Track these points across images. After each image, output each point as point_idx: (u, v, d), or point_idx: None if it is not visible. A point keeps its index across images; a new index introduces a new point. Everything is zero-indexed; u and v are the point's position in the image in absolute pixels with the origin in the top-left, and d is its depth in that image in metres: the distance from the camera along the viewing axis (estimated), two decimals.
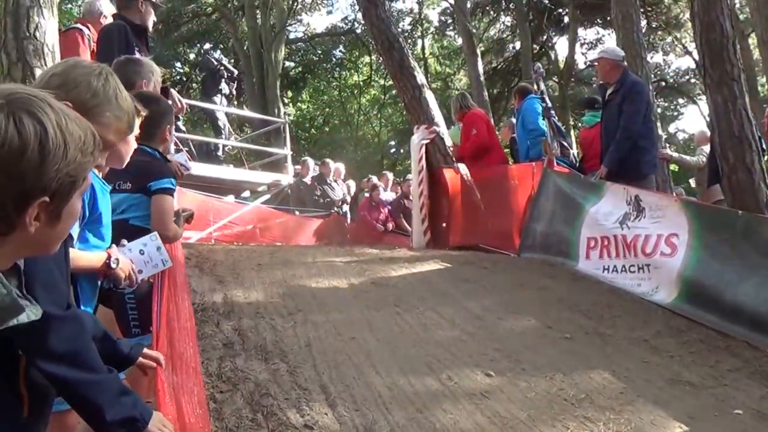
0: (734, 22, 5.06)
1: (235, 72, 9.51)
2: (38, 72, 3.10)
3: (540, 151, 5.70)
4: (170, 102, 3.78)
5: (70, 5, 14.84)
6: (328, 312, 3.66)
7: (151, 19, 3.84)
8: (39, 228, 0.86)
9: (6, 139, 0.79)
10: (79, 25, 4.00)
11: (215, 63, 9.63)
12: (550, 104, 5.64)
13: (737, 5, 13.45)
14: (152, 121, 2.30)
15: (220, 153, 8.51)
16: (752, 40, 12.59)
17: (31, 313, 0.89)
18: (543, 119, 5.57)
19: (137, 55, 3.39)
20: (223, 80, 9.12)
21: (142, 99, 2.14)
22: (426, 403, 2.63)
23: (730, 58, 4.56)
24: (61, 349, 1.11)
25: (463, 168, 6.20)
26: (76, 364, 1.13)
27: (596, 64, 5.18)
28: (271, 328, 3.36)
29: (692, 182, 9.14)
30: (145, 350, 1.55)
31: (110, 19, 4.04)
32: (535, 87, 6.12)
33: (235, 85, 9.48)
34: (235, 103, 11.52)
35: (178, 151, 7.08)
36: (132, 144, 1.82)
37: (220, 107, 8.95)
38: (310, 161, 9.72)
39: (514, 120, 7.15)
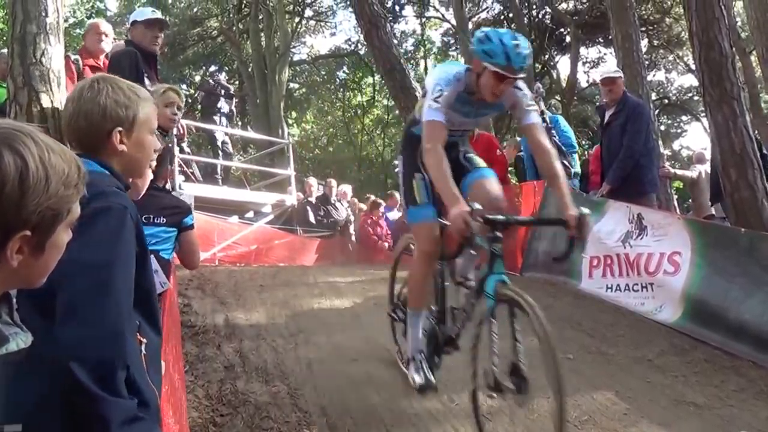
0: (734, 41, 5.10)
1: (231, 88, 9.59)
2: (43, 97, 3.16)
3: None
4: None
5: (78, 30, 15.15)
6: (330, 333, 3.66)
7: (153, 42, 3.89)
8: (23, 261, 0.86)
9: None
10: (70, 53, 4.12)
11: (212, 83, 9.77)
12: (550, 124, 5.66)
13: (738, 23, 13.57)
14: (160, 161, 2.50)
15: (218, 174, 8.57)
16: (754, 58, 12.65)
17: (20, 340, 0.88)
18: None
19: (146, 81, 3.47)
20: (221, 99, 9.22)
21: None
22: (427, 425, 2.61)
23: (730, 77, 4.59)
24: (105, 365, 1.13)
25: None
26: (106, 385, 1.13)
27: (606, 81, 5.16)
28: (273, 350, 3.35)
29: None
30: None
31: (103, 37, 4.14)
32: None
33: (234, 103, 9.53)
34: (239, 123, 11.59)
35: (182, 173, 7.16)
36: (148, 177, 1.88)
37: (220, 127, 9.02)
38: (313, 181, 9.79)
39: (519, 138, 7.17)
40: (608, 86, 5.11)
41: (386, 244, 8.73)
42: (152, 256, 2.34)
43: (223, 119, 9.18)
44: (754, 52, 12.04)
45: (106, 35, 4.19)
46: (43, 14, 3.34)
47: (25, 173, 0.82)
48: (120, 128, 1.38)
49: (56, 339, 1.11)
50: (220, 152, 8.83)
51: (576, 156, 6.09)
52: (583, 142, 19.74)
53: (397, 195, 11.07)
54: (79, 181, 0.91)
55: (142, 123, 1.43)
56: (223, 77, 10.36)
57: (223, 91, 9.32)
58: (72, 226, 0.94)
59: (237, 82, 19.50)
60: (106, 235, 1.19)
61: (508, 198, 5.99)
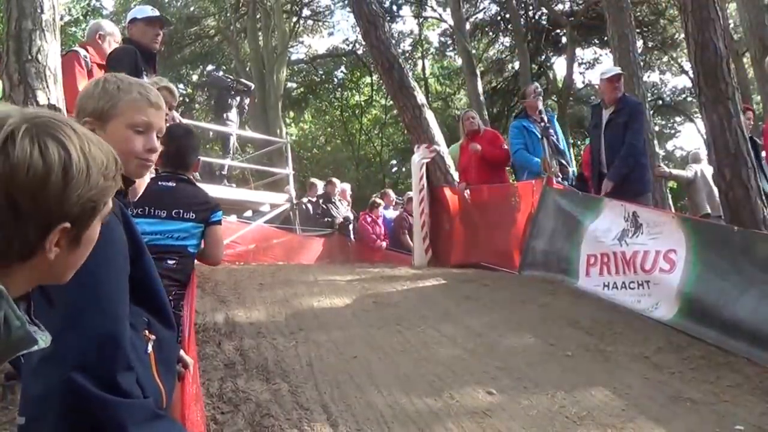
0: (728, 42, 5.16)
1: (252, 86, 9.44)
2: (40, 94, 3.15)
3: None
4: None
5: (74, 29, 15.08)
6: (330, 331, 3.68)
7: (154, 40, 3.88)
8: (59, 254, 0.85)
9: (31, 164, 0.79)
10: (76, 48, 4.09)
11: (227, 80, 9.62)
12: (548, 123, 5.71)
13: (731, 25, 13.67)
14: (192, 152, 2.66)
15: (225, 172, 8.53)
16: (747, 59, 12.76)
17: (41, 341, 0.86)
18: (541, 138, 5.64)
19: (145, 79, 3.47)
20: (239, 96, 9.08)
21: (176, 132, 2.46)
22: (428, 422, 2.64)
23: (724, 78, 4.63)
24: (105, 369, 1.12)
25: (462, 187, 6.26)
26: (112, 388, 1.12)
27: (614, 78, 5.20)
28: (273, 348, 3.37)
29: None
30: (180, 353, 1.59)
31: (109, 39, 4.13)
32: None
33: (248, 101, 9.43)
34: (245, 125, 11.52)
35: None
36: (146, 177, 1.89)
37: (232, 129, 8.90)
38: (318, 182, 9.84)
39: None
40: (614, 83, 5.16)
41: (383, 244, 8.77)
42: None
43: (237, 116, 9.05)
44: (746, 54, 12.16)
45: (113, 37, 4.16)
46: (39, 11, 3.32)
47: (68, 164, 0.81)
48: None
49: (54, 349, 1.10)
50: (230, 153, 8.78)
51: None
52: (579, 143, 19.83)
53: (391, 193, 11.11)
54: (117, 173, 0.90)
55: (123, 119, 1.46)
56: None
57: (243, 88, 9.18)
58: (104, 220, 0.93)
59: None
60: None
61: (505, 197, 6.08)
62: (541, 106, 5.93)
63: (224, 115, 8.93)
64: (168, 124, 2.78)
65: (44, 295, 1.13)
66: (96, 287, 1.17)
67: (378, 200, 9.38)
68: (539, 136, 5.77)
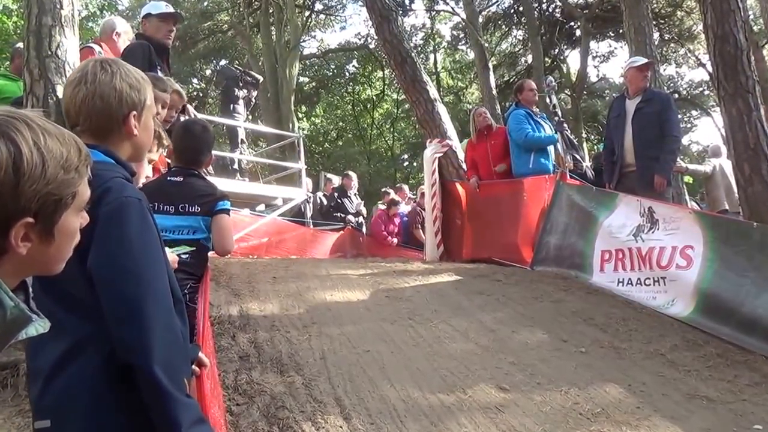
0: (748, 34, 5.06)
1: (260, 78, 9.45)
2: (59, 89, 3.20)
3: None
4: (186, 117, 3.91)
5: (91, 24, 15.22)
6: (343, 324, 3.69)
7: (167, 36, 3.91)
8: (34, 248, 0.84)
9: None
10: (91, 44, 4.13)
11: (237, 71, 9.64)
12: (562, 117, 5.65)
13: (751, 16, 13.40)
14: (206, 149, 2.66)
15: (236, 166, 8.58)
16: (766, 52, 12.52)
17: (39, 326, 0.87)
18: (556, 132, 5.58)
19: (159, 74, 3.49)
20: (246, 87, 9.09)
21: (193, 128, 2.50)
22: (440, 416, 2.64)
23: (744, 70, 4.54)
24: (174, 366, 1.16)
25: (473, 182, 6.23)
26: (177, 386, 1.15)
27: (643, 68, 5.15)
28: (287, 341, 3.39)
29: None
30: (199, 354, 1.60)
31: (123, 36, 4.17)
32: (548, 100, 6.14)
33: (256, 94, 9.44)
34: (250, 117, 11.55)
35: None
36: (146, 168, 1.88)
37: (240, 123, 8.94)
38: (335, 178, 9.84)
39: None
40: (644, 72, 5.10)
41: (395, 240, 8.78)
42: None
43: (243, 107, 9.04)
44: (766, 46, 11.93)
45: (126, 35, 4.20)
46: (58, 6, 3.37)
47: (18, 159, 0.80)
48: (135, 112, 1.37)
49: (124, 345, 1.14)
50: (239, 147, 8.82)
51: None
52: (593, 137, 19.63)
53: (405, 188, 11.09)
54: (80, 164, 0.89)
55: (149, 107, 1.43)
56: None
57: (251, 80, 9.20)
58: (84, 210, 0.92)
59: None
60: (135, 235, 1.20)
61: (517, 192, 6.02)
62: (555, 100, 5.87)
63: (231, 107, 8.93)
64: (184, 120, 2.80)
65: (84, 277, 1.16)
66: (155, 283, 1.19)
67: (396, 197, 9.34)
68: (542, 125, 5.71)
